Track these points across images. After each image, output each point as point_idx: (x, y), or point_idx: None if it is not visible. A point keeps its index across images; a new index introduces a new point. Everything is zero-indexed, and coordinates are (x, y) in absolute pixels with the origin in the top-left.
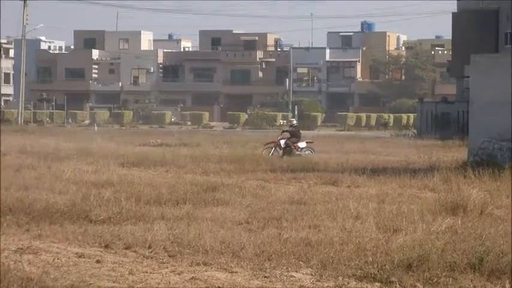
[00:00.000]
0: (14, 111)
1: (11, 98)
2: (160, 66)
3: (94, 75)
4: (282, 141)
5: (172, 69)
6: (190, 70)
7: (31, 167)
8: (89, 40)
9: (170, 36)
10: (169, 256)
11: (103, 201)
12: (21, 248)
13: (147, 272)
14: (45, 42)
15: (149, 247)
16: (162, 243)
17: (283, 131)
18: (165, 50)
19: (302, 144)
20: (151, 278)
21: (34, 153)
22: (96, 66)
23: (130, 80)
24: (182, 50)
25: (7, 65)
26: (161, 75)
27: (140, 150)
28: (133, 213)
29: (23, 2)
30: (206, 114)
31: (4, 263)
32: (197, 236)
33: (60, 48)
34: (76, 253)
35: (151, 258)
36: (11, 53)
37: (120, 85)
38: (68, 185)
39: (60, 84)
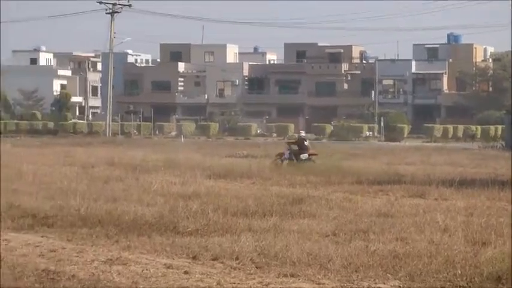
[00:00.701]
0: (101, 123)
1: (98, 111)
2: (246, 78)
3: (180, 88)
4: (286, 153)
5: (257, 82)
6: (276, 82)
7: (119, 178)
8: (175, 53)
9: (255, 49)
10: (256, 267)
11: (190, 213)
12: (111, 259)
13: (234, 283)
14: (132, 55)
15: (236, 258)
16: (249, 255)
17: (289, 143)
18: (250, 63)
19: (304, 156)
20: None
21: (122, 165)
22: (182, 79)
23: (216, 92)
24: (267, 62)
25: (95, 78)
26: (246, 87)
27: (226, 161)
28: (220, 225)
29: (110, 15)
30: (291, 126)
31: (94, 274)
32: (284, 247)
33: (147, 61)
34: (164, 264)
35: (239, 269)
36: (99, 66)
37: (206, 97)
38: (155, 196)
39: (147, 96)
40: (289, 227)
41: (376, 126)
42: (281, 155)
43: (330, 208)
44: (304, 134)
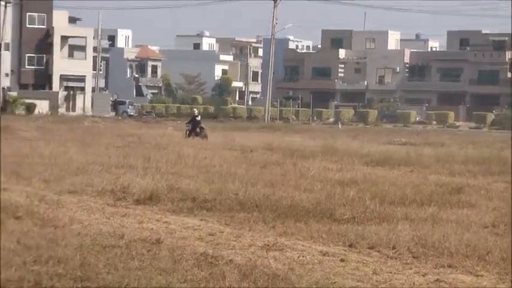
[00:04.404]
0: (261, 108)
1: (258, 96)
2: (407, 65)
3: (340, 75)
4: (187, 128)
5: (418, 69)
6: (437, 70)
7: (277, 163)
8: (336, 40)
9: (417, 36)
10: (413, 257)
11: (347, 200)
12: (268, 245)
13: (391, 273)
14: (293, 41)
15: (393, 247)
16: (406, 244)
17: (188, 122)
18: (412, 50)
19: (198, 129)
20: (396, 279)
21: (280, 150)
22: (343, 66)
23: (376, 79)
24: (429, 49)
25: (256, 63)
26: (407, 74)
27: (384, 149)
28: (377, 213)
29: (273, 1)
30: (452, 114)
31: (251, 259)
32: (442, 238)
33: (308, 47)
34: (320, 251)
35: (395, 258)
36: (260, 52)
37: (366, 84)
38: (312, 182)
39: (307, 82)
40: (448, 217)
41: None
42: (186, 131)
43: (489, 198)
44: (196, 112)
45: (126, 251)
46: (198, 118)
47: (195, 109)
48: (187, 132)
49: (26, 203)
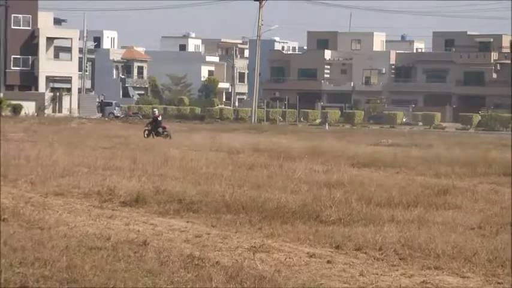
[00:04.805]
0: (247, 109)
1: (245, 97)
2: (393, 67)
3: (326, 76)
4: (147, 129)
5: (404, 70)
6: (423, 71)
7: (263, 165)
8: (321, 41)
9: (403, 37)
10: (400, 259)
11: (334, 201)
12: (254, 246)
13: (377, 274)
14: (279, 42)
15: (380, 249)
16: (392, 246)
17: (148, 123)
18: (397, 51)
19: (160, 130)
20: (382, 280)
21: (266, 152)
22: (328, 67)
23: (362, 80)
24: (415, 51)
25: (242, 64)
26: (393, 75)
27: (371, 150)
28: (363, 214)
29: (258, 2)
30: (438, 115)
31: (238, 261)
32: (428, 239)
33: (294, 48)
34: (307, 253)
35: (382, 260)
36: (246, 53)
37: (352, 85)
38: (299, 184)
39: (293, 83)
40: (434, 219)
41: None
42: (144, 131)
43: (475, 200)
44: (157, 113)
45: (112, 252)
46: (160, 118)
47: (155, 109)
48: (146, 132)
49: (12, 205)
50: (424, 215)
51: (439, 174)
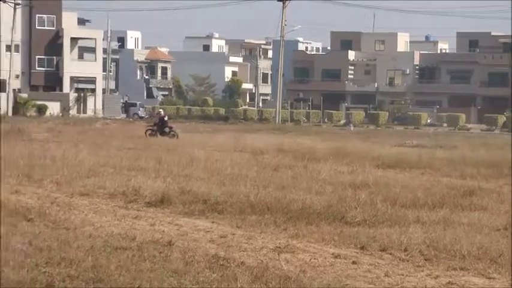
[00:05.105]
0: (271, 110)
1: (268, 98)
2: (416, 67)
3: (350, 76)
4: (155, 128)
5: (428, 71)
6: (447, 72)
7: (288, 166)
8: (345, 41)
9: (427, 37)
10: (425, 260)
11: (359, 202)
12: (279, 247)
13: (403, 275)
14: (303, 43)
15: (405, 250)
16: (418, 247)
17: (154, 123)
18: (421, 52)
19: (166, 130)
20: (407, 281)
21: (291, 153)
22: (352, 67)
23: (386, 81)
24: (439, 51)
25: (265, 65)
26: (417, 76)
27: (396, 151)
28: (388, 215)
29: (282, 3)
30: (463, 116)
31: (263, 261)
32: (454, 240)
33: (317, 49)
34: (332, 253)
35: (407, 261)
36: (270, 53)
37: (376, 86)
38: (324, 185)
39: (317, 84)
40: (459, 220)
41: None
42: (147, 131)
43: (501, 201)
44: (163, 113)
45: (137, 253)
46: (166, 118)
47: (161, 109)
48: (149, 132)
49: (38, 205)
50: (449, 216)
51: (464, 176)
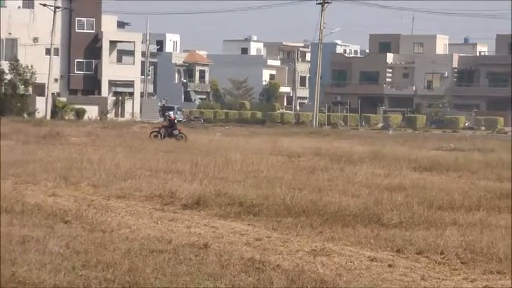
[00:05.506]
0: (309, 113)
1: (306, 101)
2: (455, 70)
3: (388, 79)
4: (162, 130)
5: (467, 74)
6: (486, 75)
7: (324, 169)
8: (384, 44)
9: (466, 40)
10: (461, 263)
11: (395, 205)
12: (315, 250)
13: (439, 279)
14: (341, 45)
15: (441, 253)
16: (454, 250)
17: (163, 125)
18: (460, 54)
19: (175, 132)
20: (444, 285)
21: (327, 156)
22: (390, 70)
23: (424, 84)
24: (478, 54)
25: (303, 68)
26: (455, 79)
27: (433, 154)
28: (425, 218)
29: (321, 6)
30: (501, 120)
31: (298, 264)
32: (491, 243)
33: (355, 51)
34: (368, 257)
35: (444, 264)
36: (307, 56)
37: (414, 89)
38: (360, 188)
39: (355, 87)
40: (497, 222)
41: None
42: (152, 132)
43: None
44: (172, 115)
45: (173, 255)
46: (176, 121)
47: (170, 112)
48: (154, 134)
49: (75, 208)
50: (486, 219)
51: (501, 178)
